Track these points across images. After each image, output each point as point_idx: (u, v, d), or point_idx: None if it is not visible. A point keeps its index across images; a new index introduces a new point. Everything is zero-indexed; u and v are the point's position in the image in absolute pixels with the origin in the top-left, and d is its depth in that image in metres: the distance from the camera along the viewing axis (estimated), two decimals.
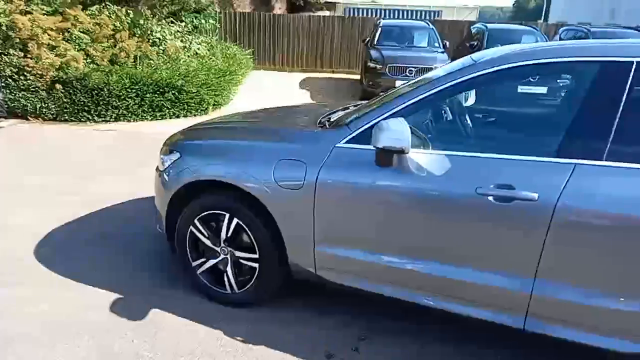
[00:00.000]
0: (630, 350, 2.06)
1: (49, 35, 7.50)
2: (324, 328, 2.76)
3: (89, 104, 7.57)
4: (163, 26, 9.53)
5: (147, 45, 8.70)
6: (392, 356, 2.55)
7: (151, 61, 8.49)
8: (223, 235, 2.81)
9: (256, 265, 2.77)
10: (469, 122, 2.83)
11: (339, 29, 14.13)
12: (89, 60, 7.90)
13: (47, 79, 7.41)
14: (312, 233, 2.55)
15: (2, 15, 7.08)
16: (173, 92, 7.90)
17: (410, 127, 2.23)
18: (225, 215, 2.76)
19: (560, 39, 11.79)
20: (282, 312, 2.89)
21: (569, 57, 2.23)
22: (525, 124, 2.81)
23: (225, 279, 2.89)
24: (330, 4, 29.60)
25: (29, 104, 7.49)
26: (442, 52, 10.54)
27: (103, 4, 8.65)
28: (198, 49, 9.98)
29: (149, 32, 8.92)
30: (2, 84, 7.19)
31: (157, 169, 3.12)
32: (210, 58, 9.81)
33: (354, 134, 2.46)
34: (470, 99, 3.20)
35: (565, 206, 2.01)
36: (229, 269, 2.86)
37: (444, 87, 2.35)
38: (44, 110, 7.56)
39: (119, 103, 7.65)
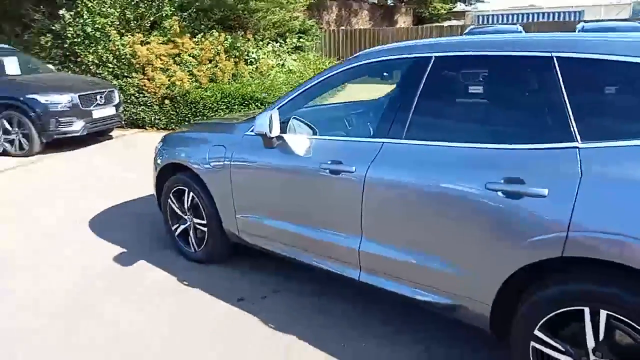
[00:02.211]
0: (437, 301, 2.37)
1: (161, 60, 9.22)
2: (251, 281, 3.43)
3: (189, 115, 9.11)
4: (260, 47, 10.87)
5: (243, 65, 10.08)
6: (290, 303, 3.14)
7: (244, 78, 9.84)
8: (186, 205, 3.65)
9: (205, 229, 3.56)
10: (332, 111, 3.28)
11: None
12: (193, 79, 9.50)
13: (159, 96, 9.13)
14: (232, 203, 3.27)
15: (126, 46, 8.94)
16: (256, 103, 9.07)
17: (295, 117, 2.85)
18: (185, 189, 3.61)
19: None
20: (228, 269, 3.62)
21: (395, 56, 2.63)
22: (363, 112, 3.17)
23: (190, 240, 3.73)
24: (459, 13, 29.26)
25: (146, 117, 9.29)
26: None
27: (210, 32, 10.22)
28: (291, 65, 11.14)
29: (245, 53, 10.30)
30: (125, 100, 9.03)
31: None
32: (301, 73, 10.89)
33: None
34: None
35: (371, 176, 2.45)
36: (191, 232, 3.70)
37: (314, 84, 2.90)
38: (157, 121, 9.30)
39: (212, 114, 9.05)
